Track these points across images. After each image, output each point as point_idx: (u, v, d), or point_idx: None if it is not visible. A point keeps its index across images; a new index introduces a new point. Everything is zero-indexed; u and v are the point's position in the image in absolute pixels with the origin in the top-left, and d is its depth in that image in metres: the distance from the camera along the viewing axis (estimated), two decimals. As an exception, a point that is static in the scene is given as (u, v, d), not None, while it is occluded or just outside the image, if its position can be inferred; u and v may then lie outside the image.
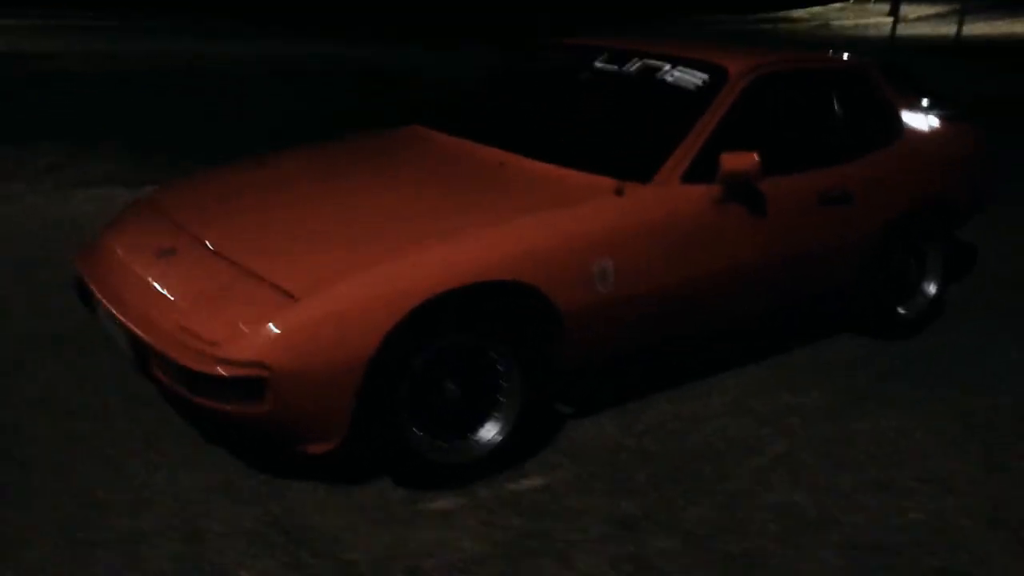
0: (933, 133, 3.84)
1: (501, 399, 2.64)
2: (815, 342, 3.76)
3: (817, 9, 32.52)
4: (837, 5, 33.17)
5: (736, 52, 3.36)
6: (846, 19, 28.97)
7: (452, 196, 2.86)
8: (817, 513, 2.58)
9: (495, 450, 2.63)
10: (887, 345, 3.77)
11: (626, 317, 2.78)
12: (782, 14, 31.14)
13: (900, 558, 2.39)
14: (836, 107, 3.48)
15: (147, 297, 2.51)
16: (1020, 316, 4.14)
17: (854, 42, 20.14)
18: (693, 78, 3.17)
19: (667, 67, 3.26)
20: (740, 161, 2.85)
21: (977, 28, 22.90)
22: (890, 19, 27.35)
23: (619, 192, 2.78)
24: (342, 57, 13.93)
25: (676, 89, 3.17)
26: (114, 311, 2.54)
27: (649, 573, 2.28)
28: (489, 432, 2.63)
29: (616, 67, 3.40)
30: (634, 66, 3.35)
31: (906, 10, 28.86)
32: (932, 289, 3.93)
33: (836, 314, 3.77)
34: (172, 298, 2.46)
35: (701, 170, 2.92)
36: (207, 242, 2.67)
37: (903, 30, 23.14)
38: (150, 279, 2.58)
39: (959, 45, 19.44)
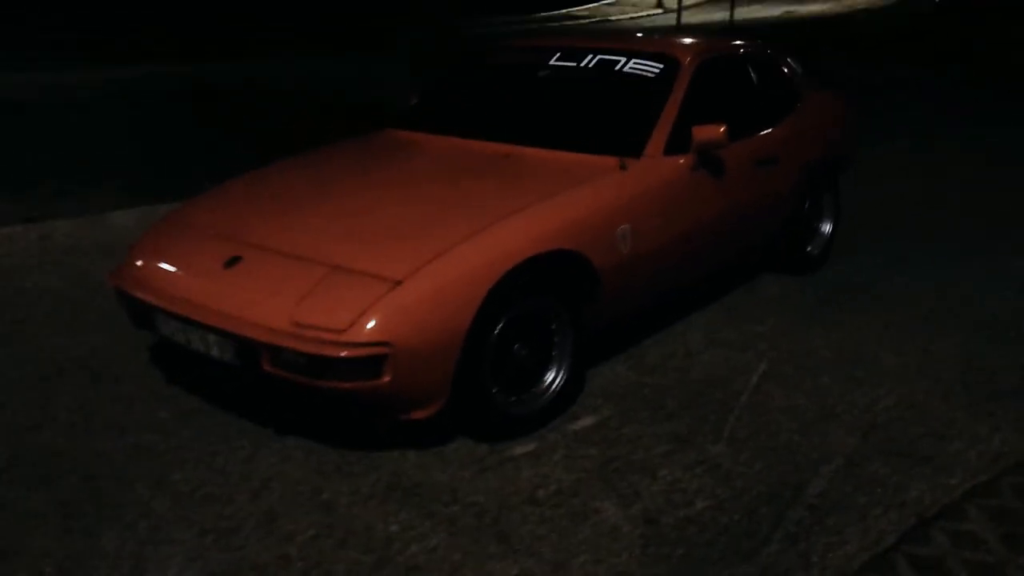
0: (818, 99, 4.58)
1: (554, 353, 3.04)
2: (747, 283, 4.40)
3: (592, 6, 33.91)
4: (608, 0, 34.78)
5: (677, 44, 3.91)
6: (621, 14, 30.60)
7: (483, 185, 3.20)
8: (819, 409, 3.16)
9: (556, 398, 3.03)
10: (803, 280, 4.48)
11: (641, 273, 3.25)
12: (564, 12, 32.06)
13: (895, 431, 3.01)
14: (756, 83, 4.12)
15: (238, 303, 2.69)
16: (887, 251, 4.99)
17: (647, 31, 21.62)
18: (650, 68, 3.68)
19: (623, 60, 3.76)
20: (710, 132, 3.39)
21: (749, 12, 25.18)
22: (659, 11, 29.54)
23: (623, 167, 3.25)
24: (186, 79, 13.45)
25: (638, 78, 3.67)
26: (203, 321, 2.71)
27: (717, 472, 2.77)
28: (549, 383, 3.03)
29: (574, 63, 3.86)
30: (592, 62, 3.82)
31: (668, 1, 31.17)
32: (828, 229, 4.68)
33: (762, 258, 4.42)
34: (269, 300, 2.66)
35: (676, 143, 3.43)
36: (270, 246, 2.88)
37: (672, 19, 25.18)
38: (230, 287, 2.77)
39: (733, 27, 21.48)
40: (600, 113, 3.66)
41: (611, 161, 3.28)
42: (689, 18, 25.03)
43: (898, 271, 4.60)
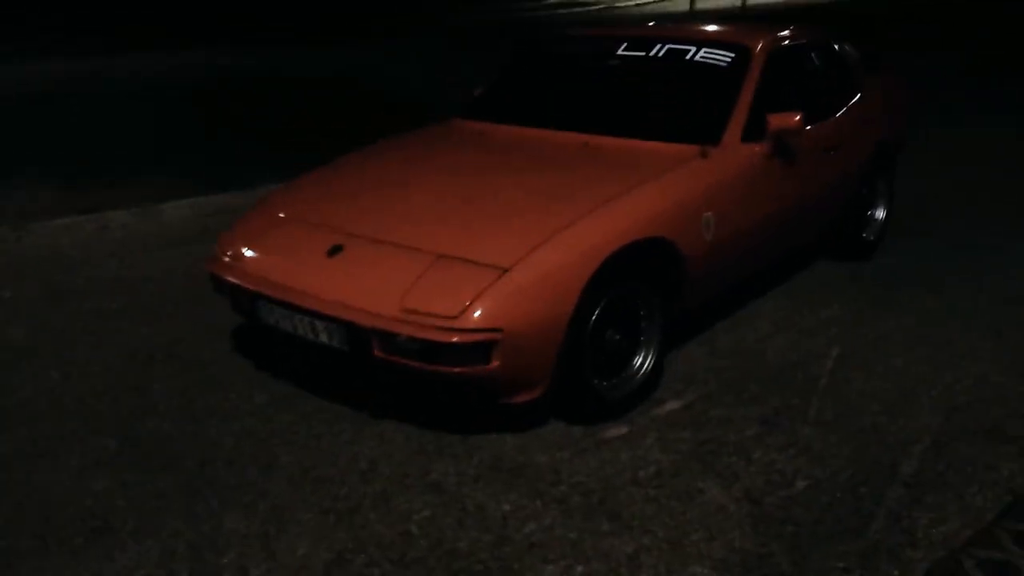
0: (876, 84, 4.63)
1: (643, 338, 3.11)
2: (805, 270, 4.47)
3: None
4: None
5: (746, 32, 3.96)
6: (628, 1, 30.45)
7: (569, 174, 3.25)
8: (899, 392, 3.23)
9: (644, 382, 3.11)
10: (859, 265, 4.54)
11: (726, 259, 3.32)
12: None
13: (976, 412, 3.08)
14: (820, 70, 4.17)
15: (348, 290, 2.77)
16: (940, 235, 5.05)
17: (660, 18, 21.58)
18: (722, 57, 3.73)
19: (693, 49, 3.81)
20: (785, 120, 3.44)
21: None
22: (663, -2, 29.38)
23: (704, 155, 3.31)
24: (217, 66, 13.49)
25: (710, 67, 3.72)
26: (310, 308, 2.78)
27: (810, 453, 2.84)
28: (638, 367, 3.10)
29: (644, 52, 3.91)
30: (661, 51, 3.87)
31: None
32: (882, 215, 4.74)
33: (820, 244, 4.48)
34: (378, 287, 2.73)
35: (751, 130, 3.49)
36: (371, 235, 2.95)
37: (683, 6, 25.14)
38: (336, 275, 2.84)
39: (746, 13, 21.49)
40: (675, 102, 3.72)
41: (691, 149, 3.34)
42: (699, 4, 24.98)
43: (954, 255, 4.65)
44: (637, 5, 28.19)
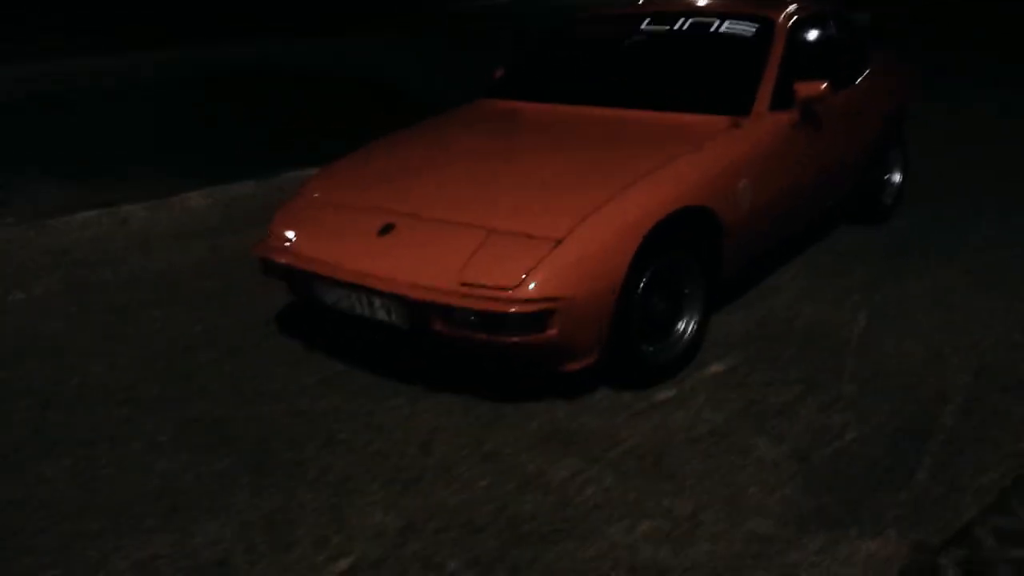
0: (884, 57, 4.72)
1: (686, 304, 3.18)
2: (825, 236, 4.55)
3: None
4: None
5: (767, 4, 4.03)
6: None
7: (608, 147, 3.32)
8: (927, 351, 3.32)
9: (689, 346, 3.19)
10: (876, 229, 4.64)
11: (760, 226, 3.40)
12: None
13: (1004, 368, 3.17)
14: (837, 41, 4.25)
15: (404, 267, 2.83)
16: (953, 203, 5.15)
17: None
18: (746, 28, 3.80)
19: (717, 22, 3.88)
20: (812, 88, 3.52)
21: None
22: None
23: (737, 125, 3.39)
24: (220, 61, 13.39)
25: (735, 39, 3.80)
26: (369, 286, 2.85)
27: (852, 410, 2.93)
28: (682, 332, 3.18)
29: (668, 27, 3.98)
30: (685, 24, 3.94)
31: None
32: (898, 179, 4.84)
33: (842, 208, 4.56)
34: (434, 263, 2.80)
35: (779, 99, 3.57)
36: (420, 214, 3.02)
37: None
38: (391, 253, 2.90)
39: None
40: (703, 74, 3.78)
41: (723, 120, 3.41)
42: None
43: (968, 220, 4.75)
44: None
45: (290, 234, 3.22)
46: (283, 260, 3.16)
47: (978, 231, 4.61)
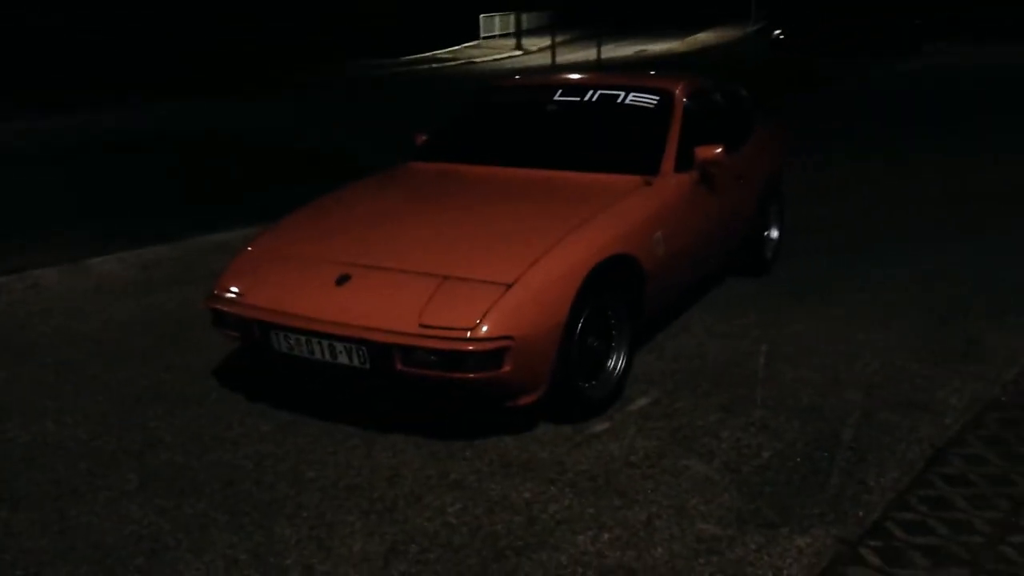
0: (764, 123, 5.32)
1: (613, 344, 3.52)
2: (719, 285, 5.03)
3: (456, 48, 34.47)
4: (471, 43, 35.50)
5: (666, 78, 4.52)
6: (484, 56, 31.57)
7: (540, 203, 3.67)
8: (823, 377, 3.77)
9: (619, 382, 3.52)
10: (761, 280, 5.16)
11: (673, 271, 3.80)
12: (430, 55, 32.21)
13: (890, 388, 3.65)
14: (726, 109, 4.79)
15: (365, 313, 3.04)
16: (823, 251, 5.78)
17: (523, 71, 22.64)
18: (649, 99, 4.27)
19: (622, 94, 4.33)
20: (709, 151, 3.99)
21: (606, 52, 26.71)
22: (519, 52, 30.92)
23: (648, 184, 3.81)
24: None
25: (640, 109, 4.25)
26: (330, 332, 3.04)
27: (767, 430, 3.30)
28: (612, 368, 3.50)
29: (578, 98, 4.41)
30: (594, 96, 4.37)
31: (526, 43, 32.72)
32: (776, 235, 5.40)
33: (730, 261, 5.06)
34: (393, 308, 3.03)
35: (682, 161, 4.02)
36: (374, 264, 3.25)
37: (538, 60, 26.55)
38: (350, 301, 3.11)
39: (601, 65, 22.90)
40: (615, 139, 4.21)
41: (637, 180, 3.83)
42: (544, 58, 26.28)
43: (841, 269, 5.34)
44: (495, 60, 29.31)
45: (243, 286, 3.38)
46: (237, 311, 3.31)
47: (851, 278, 5.19)
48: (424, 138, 4.67)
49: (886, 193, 7.50)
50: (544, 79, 4.74)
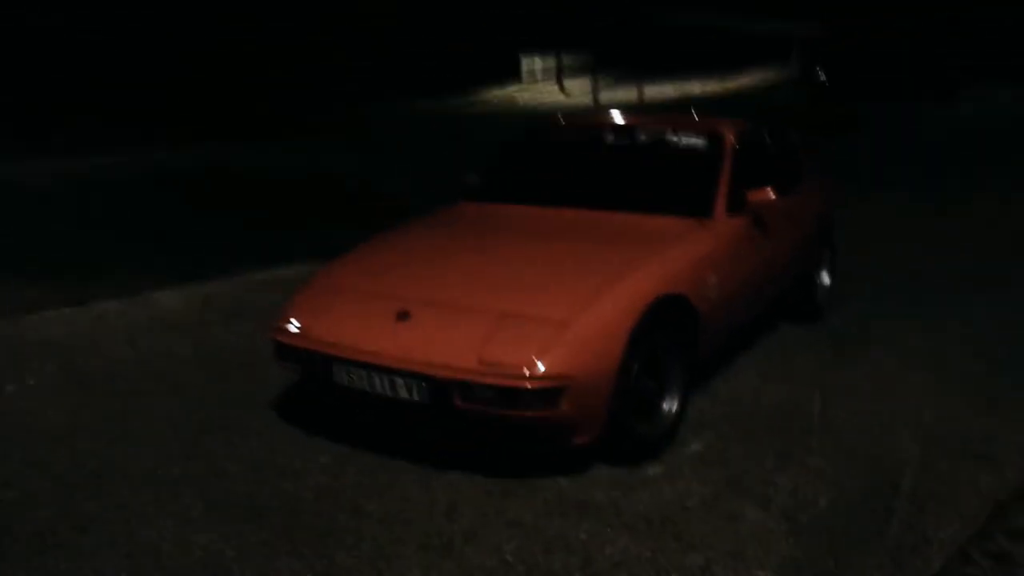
0: (811, 167, 5.34)
1: (670, 385, 3.53)
2: (772, 331, 5.03)
3: (496, 88, 34.89)
4: (513, 87, 36.03)
5: (717, 121, 4.58)
6: (526, 96, 31.92)
7: (594, 243, 3.73)
8: (879, 425, 3.73)
9: (673, 424, 3.53)
10: (814, 326, 5.14)
11: (726, 312, 3.82)
12: (471, 95, 32.59)
13: (947, 437, 3.61)
14: (776, 152, 4.83)
15: (425, 348, 3.11)
16: (876, 298, 5.75)
17: (567, 109, 22.88)
18: (699, 142, 4.33)
19: (672, 136, 4.40)
20: (760, 194, 4.03)
21: (648, 92, 26.94)
22: (560, 92, 31.34)
23: (702, 226, 3.85)
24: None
25: (691, 151, 4.31)
26: (390, 367, 3.11)
27: (824, 477, 3.29)
28: (667, 410, 3.52)
29: (629, 139, 4.48)
30: (645, 137, 4.44)
31: (567, 83, 33.18)
32: (827, 281, 5.39)
33: (781, 306, 5.06)
34: (452, 345, 3.09)
35: (734, 203, 4.06)
36: (433, 300, 3.32)
37: (580, 100, 26.86)
38: (410, 337, 3.18)
39: (643, 105, 23.10)
40: (668, 181, 4.26)
41: (690, 221, 3.87)
42: (588, 98, 26.58)
43: (892, 315, 5.31)
44: (537, 100, 29.66)
45: (305, 320, 3.46)
46: (301, 344, 3.39)
47: (903, 324, 5.15)
48: (474, 178, 4.76)
49: (933, 239, 7.45)
50: (593, 120, 4.83)
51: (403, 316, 3.28)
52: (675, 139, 4.39)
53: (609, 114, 4.86)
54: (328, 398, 3.50)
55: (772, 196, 4.03)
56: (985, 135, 15.26)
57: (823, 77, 24.13)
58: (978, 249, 7.01)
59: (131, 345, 4.83)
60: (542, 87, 34.44)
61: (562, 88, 32.79)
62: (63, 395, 4.12)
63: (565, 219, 4.09)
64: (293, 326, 3.47)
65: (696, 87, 30.54)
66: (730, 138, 4.35)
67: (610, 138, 4.57)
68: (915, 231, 7.81)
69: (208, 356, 4.64)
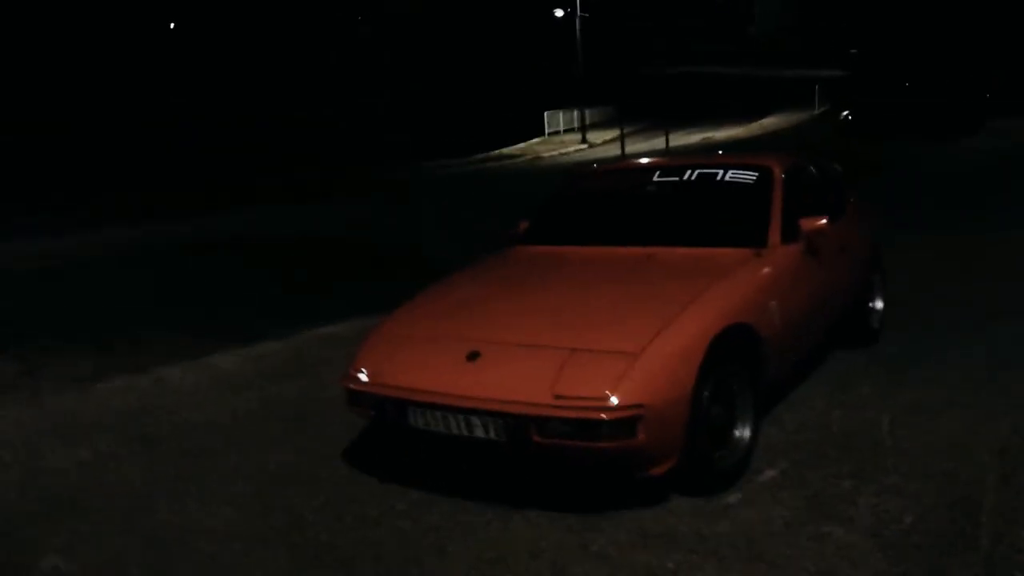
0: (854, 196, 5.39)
1: (739, 413, 3.55)
2: (830, 357, 5.01)
3: (523, 145, 35.51)
4: (536, 140, 36.58)
5: (763, 155, 4.65)
6: (552, 151, 32.37)
7: (656, 277, 3.80)
8: (950, 444, 3.71)
9: (747, 451, 3.53)
10: (871, 351, 5.12)
11: (789, 339, 3.84)
12: (495, 153, 33.21)
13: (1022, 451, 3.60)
14: (823, 183, 4.88)
15: (498, 387, 3.16)
16: (927, 322, 5.72)
17: (593, 162, 23.15)
18: (749, 175, 4.40)
19: (720, 172, 4.47)
20: (814, 222, 4.08)
21: (674, 140, 27.21)
22: (585, 146, 31.80)
23: (759, 255, 3.90)
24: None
25: (740, 185, 4.38)
26: (466, 407, 3.16)
27: (904, 495, 3.27)
28: (739, 439, 3.52)
29: (676, 177, 4.56)
30: (692, 175, 4.52)
31: (591, 137, 33.65)
32: (880, 305, 5.39)
33: (837, 332, 5.05)
34: (525, 381, 3.14)
35: (788, 233, 4.10)
36: (502, 340, 3.38)
37: (604, 152, 27.21)
38: (483, 376, 3.23)
39: (670, 152, 23.34)
40: (721, 215, 4.33)
41: (747, 252, 3.92)
42: (615, 149, 26.91)
43: (945, 338, 5.28)
44: (561, 155, 30.05)
45: (376, 367, 3.53)
46: (374, 390, 3.46)
47: (958, 346, 5.12)
48: (525, 224, 4.84)
49: (970, 271, 7.45)
50: (640, 162, 4.91)
51: (473, 356, 3.33)
52: (722, 175, 4.47)
53: (651, 158, 4.96)
54: (403, 442, 3.55)
55: (823, 222, 4.08)
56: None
57: (848, 114, 24.30)
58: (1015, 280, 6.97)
59: (196, 407, 4.91)
60: (567, 141, 34.94)
61: (585, 140, 33.23)
62: (136, 458, 4.19)
63: (622, 257, 4.16)
64: (364, 373, 3.54)
65: (721, 133, 30.85)
66: (778, 170, 4.41)
67: (658, 178, 4.65)
68: (949, 265, 7.78)
69: (272, 413, 4.71)
